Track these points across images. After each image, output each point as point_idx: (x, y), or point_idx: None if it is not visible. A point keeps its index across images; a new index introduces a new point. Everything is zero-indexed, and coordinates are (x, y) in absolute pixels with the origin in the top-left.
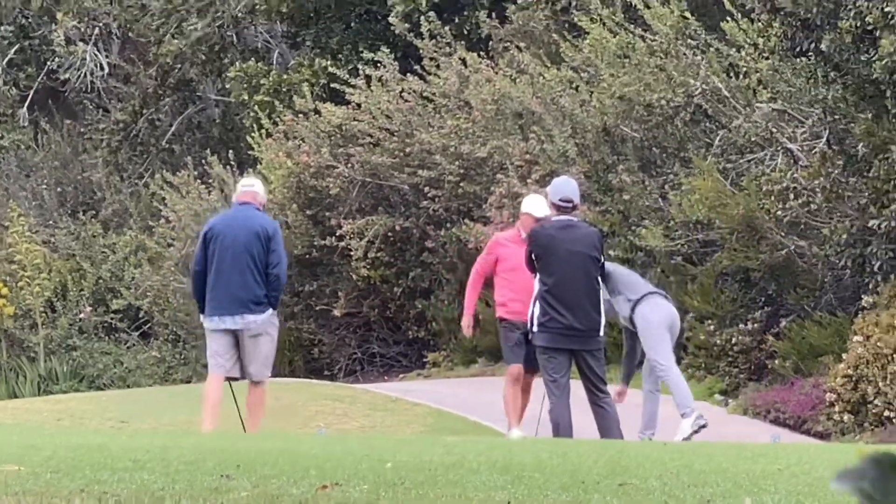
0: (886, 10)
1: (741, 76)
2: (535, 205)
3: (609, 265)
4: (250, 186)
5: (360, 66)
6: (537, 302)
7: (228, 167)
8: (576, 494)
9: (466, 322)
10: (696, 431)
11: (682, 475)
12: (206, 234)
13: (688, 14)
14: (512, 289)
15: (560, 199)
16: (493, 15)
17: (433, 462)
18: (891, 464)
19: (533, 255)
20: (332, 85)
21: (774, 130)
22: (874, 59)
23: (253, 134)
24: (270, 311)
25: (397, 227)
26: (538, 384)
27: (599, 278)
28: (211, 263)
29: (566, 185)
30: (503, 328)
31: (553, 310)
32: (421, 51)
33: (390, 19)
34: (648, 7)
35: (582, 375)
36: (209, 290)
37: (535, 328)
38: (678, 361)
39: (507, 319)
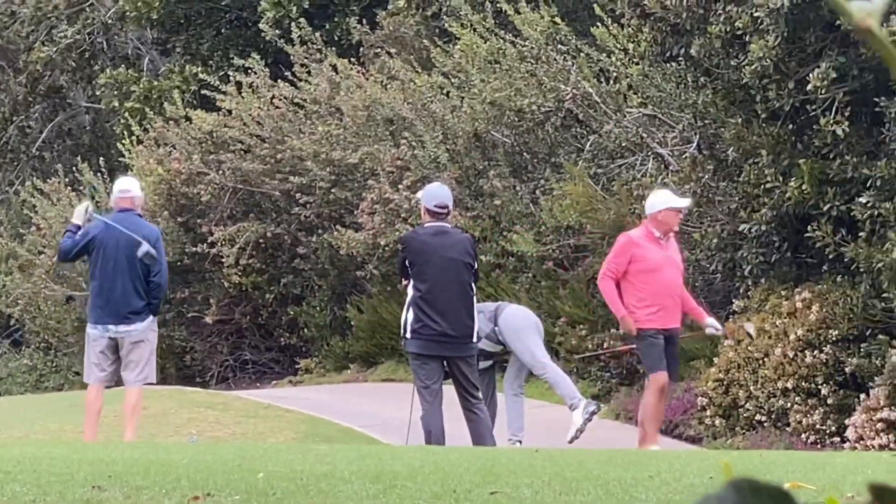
0: (756, 15)
1: (612, 81)
2: (673, 197)
3: None
4: (128, 192)
5: (230, 73)
6: (410, 308)
7: (99, 174)
8: (447, 503)
9: (629, 325)
10: (588, 419)
11: (553, 483)
12: (88, 240)
13: (558, 19)
14: (652, 292)
15: (435, 205)
16: (364, 21)
17: (305, 471)
18: (750, 489)
19: (406, 262)
20: (202, 92)
21: (645, 135)
22: (744, 63)
23: (123, 141)
24: (151, 318)
25: (269, 234)
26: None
27: (473, 285)
28: (94, 271)
29: (441, 191)
30: (646, 337)
31: (426, 316)
32: (292, 57)
33: (261, 25)
34: (519, 13)
35: (455, 382)
36: (92, 297)
37: (407, 334)
38: None
39: (648, 328)
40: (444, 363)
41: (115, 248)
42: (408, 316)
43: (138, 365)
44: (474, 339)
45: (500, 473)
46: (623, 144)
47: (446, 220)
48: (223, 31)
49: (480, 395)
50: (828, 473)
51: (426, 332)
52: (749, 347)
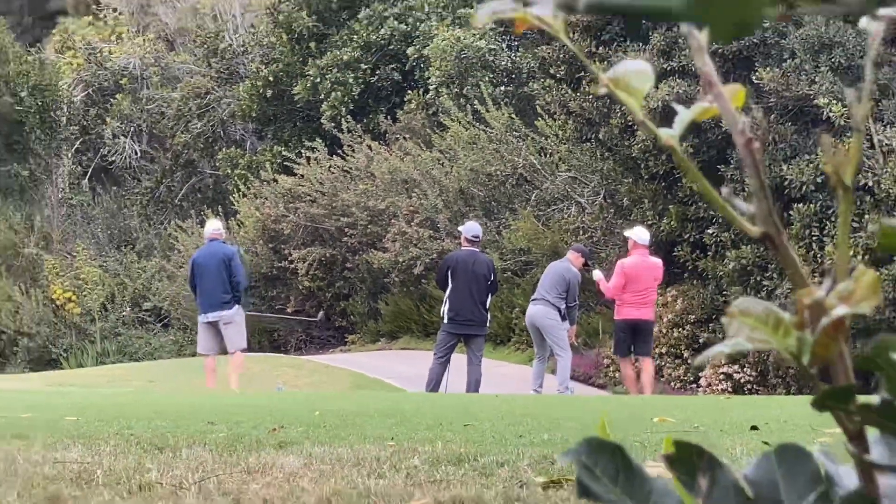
0: None
1: (548, 155)
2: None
3: None
4: (217, 231)
5: (302, 150)
6: (446, 302)
7: (218, 216)
8: (436, 432)
9: None
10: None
11: (505, 418)
12: (192, 263)
13: (514, 115)
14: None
15: (472, 236)
16: (388, 116)
17: (346, 411)
18: (597, 444)
19: (448, 270)
20: (285, 163)
21: (570, 190)
22: (634, 143)
23: (234, 195)
24: (237, 306)
25: (328, 255)
26: None
27: (490, 289)
28: (199, 280)
29: (475, 227)
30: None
31: (457, 307)
32: (342, 140)
33: (322, 120)
34: (488, 111)
35: (468, 348)
36: (198, 296)
37: (445, 320)
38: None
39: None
40: (461, 338)
41: (208, 265)
42: (444, 308)
43: (232, 338)
44: (486, 324)
45: (475, 413)
46: (555, 196)
47: (476, 246)
48: (297, 123)
49: (478, 359)
50: (685, 411)
51: (457, 319)
52: None
